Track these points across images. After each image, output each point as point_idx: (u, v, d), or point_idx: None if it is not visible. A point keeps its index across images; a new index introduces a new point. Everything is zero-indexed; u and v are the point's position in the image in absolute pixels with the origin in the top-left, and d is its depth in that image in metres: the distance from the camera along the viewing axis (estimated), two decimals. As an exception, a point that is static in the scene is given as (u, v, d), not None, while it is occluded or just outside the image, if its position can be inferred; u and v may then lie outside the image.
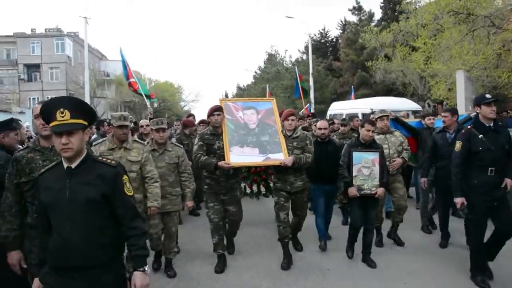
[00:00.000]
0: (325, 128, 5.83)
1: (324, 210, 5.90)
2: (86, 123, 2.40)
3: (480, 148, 4.32)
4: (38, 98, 36.19)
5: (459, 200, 4.45)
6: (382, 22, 29.41)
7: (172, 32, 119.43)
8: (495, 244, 4.54)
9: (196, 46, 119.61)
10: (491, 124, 4.39)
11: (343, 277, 4.92)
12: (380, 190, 5.12)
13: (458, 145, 4.51)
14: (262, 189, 7.03)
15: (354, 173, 5.14)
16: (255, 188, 7.14)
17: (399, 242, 5.95)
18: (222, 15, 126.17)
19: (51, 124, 2.32)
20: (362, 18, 32.52)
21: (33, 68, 40.74)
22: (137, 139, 4.91)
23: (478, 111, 4.46)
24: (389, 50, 21.96)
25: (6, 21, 77.76)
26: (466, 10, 13.06)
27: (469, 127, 4.60)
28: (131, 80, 10.66)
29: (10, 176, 3.05)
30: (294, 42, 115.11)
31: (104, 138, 4.90)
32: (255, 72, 45.34)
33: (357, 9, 33.14)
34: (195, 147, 5.22)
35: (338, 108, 14.33)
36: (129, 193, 2.49)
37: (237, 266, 5.32)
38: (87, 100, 18.62)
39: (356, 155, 5.15)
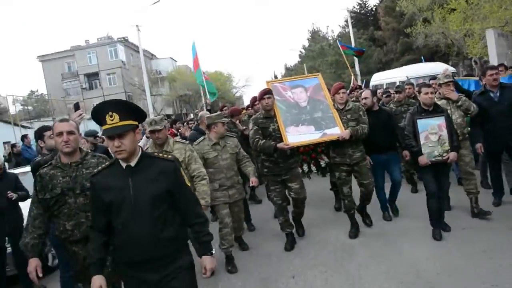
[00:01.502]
0: (366, 98, 5.72)
1: (383, 181, 5.85)
2: (136, 123, 2.46)
3: None
4: (101, 104, 38.92)
5: None
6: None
7: (215, 22, 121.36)
8: None
9: (241, 32, 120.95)
10: None
11: (413, 246, 4.79)
12: (452, 155, 4.88)
13: None
14: (313, 168, 6.80)
15: (422, 141, 4.94)
16: (305, 167, 6.86)
17: (484, 212, 5.34)
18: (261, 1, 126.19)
19: (103, 127, 2.41)
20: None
21: (92, 77, 43.53)
22: (178, 139, 5.00)
23: None
24: (428, 14, 22.04)
25: (60, 36, 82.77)
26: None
27: None
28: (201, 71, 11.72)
29: (36, 190, 3.17)
30: (335, 17, 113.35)
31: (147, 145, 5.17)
32: (300, 52, 46.03)
33: (393, -24, 32.89)
34: (251, 132, 5.26)
35: (379, 78, 15.13)
36: (188, 184, 2.66)
37: (302, 245, 5.36)
38: (148, 99, 20.22)
39: (421, 122, 4.97)
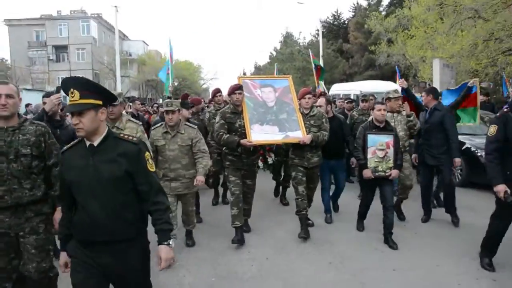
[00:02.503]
0: (320, 106, 5.91)
1: (329, 184, 6.17)
2: (99, 102, 2.40)
3: None
4: (67, 77, 38.58)
5: (500, 188, 3.91)
6: (390, 7, 30.83)
7: (191, 13, 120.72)
8: None
9: (215, 26, 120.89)
10: None
11: (348, 249, 5.05)
12: (394, 172, 5.15)
13: (492, 129, 4.05)
14: (260, 164, 6.77)
15: (369, 155, 5.19)
16: None
17: (400, 217, 6.05)
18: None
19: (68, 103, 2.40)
20: (371, 3, 33.98)
21: (61, 49, 43.01)
22: (132, 118, 4.90)
23: None
24: (393, 35, 23.54)
25: (31, 2, 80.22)
26: (454, 2, 14.81)
27: (505, 109, 4.14)
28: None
29: None
30: (308, 25, 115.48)
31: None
32: (271, 53, 47.16)
33: (367, -6, 34.58)
34: (217, 125, 5.29)
35: (337, 89, 16.41)
36: (151, 169, 2.54)
37: (250, 240, 5.41)
38: (118, 80, 20.64)
39: (371, 137, 5.20)
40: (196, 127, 5.13)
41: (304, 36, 66.98)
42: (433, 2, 15.62)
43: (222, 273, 4.49)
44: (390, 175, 5.13)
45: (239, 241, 5.24)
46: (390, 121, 5.57)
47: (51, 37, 42.34)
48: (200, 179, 4.75)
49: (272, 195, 7.60)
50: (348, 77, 31.04)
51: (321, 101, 6.11)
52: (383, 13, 29.50)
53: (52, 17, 43.32)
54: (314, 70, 15.29)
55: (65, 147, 2.58)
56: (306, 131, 5.37)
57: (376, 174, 5.15)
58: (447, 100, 6.58)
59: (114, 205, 2.38)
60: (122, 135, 2.57)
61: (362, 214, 5.64)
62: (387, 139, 5.18)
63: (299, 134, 5.35)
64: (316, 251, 5.04)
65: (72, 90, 2.32)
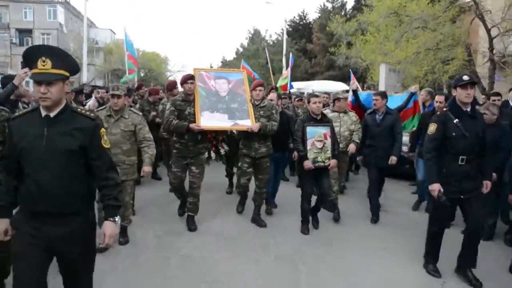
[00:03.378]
0: (271, 100, 6.09)
1: (273, 176, 6.20)
2: (67, 74, 2.40)
3: (454, 134, 4.00)
4: (30, 62, 38.10)
5: (435, 187, 4.00)
6: (353, 11, 32.28)
7: (160, 4, 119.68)
8: (467, 245, 4.16)
9: (183, 19, 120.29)
10: (468, 109, 4.05)
11: (291, 237, 5.31)
12: (333, 162, 5.34)
13: (432, 127, 4.13)
14: (212, 154, 6.99)
15: (308, 146, 5.32)
16: (205, 154, 6.68)
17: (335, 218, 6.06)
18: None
19: (32, 71, 2.34)
20: (335, 6, 35.42)
21: (25, 33, 42.19)
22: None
23: (454, 94, 4.11)
24: (353, 38, 24.85)
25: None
26: (405, 12, 16.15)
27: (445, 109, 4.28)
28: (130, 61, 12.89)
29: None
30: (275, 24, 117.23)
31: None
32: (237, 49, 48.02)
33: (332, -2, 36.10)
34: (167, 112, 5.39)
35: (296, 87, 17.65)
36: (105, 146, 2.55)
37: (194, 231, 5.43)
38: (84, 68, 20.98)
39: (309, 129, 5.34)
40: (141, 113, 5.12)
41: (271, 34, 68.18)
42: (387, 10, 16.92)
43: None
44: (329, 164, 5.34)
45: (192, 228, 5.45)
46: (335, 121, 5.92)
47: (15, 20, 41.58)
48: (147, 169, 4.80)
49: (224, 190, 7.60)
50: (310, 76, 32.37)
51: (273, 96, 6.39)
52: (347, 15, 30.93)
53: (16, 0, 42.53)
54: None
55: (16, 114, 2.60)
56: (256, 120, 5.53)
57: (316, 164, 5.31)
58: (392, 104, 6.66)
59: (64, 177, 2.38)
60: (79, 109, 2.57)
61: (306, 213, 5.55)
62: (324, 130, 5.39)
63: (248, 123, 5.52)
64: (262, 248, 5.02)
65: (44, 58, 2.30)
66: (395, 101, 7.02)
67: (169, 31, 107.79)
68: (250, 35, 46.28)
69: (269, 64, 17.86)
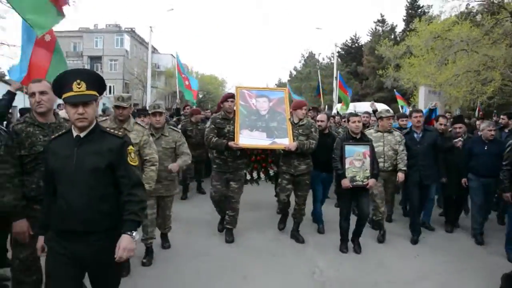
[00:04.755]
0: (322, 121, 6.21)
1: (321, 195, 6.35)
2: (98, 94, 2.51)
3: None
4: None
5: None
6: (404, 34, 32.81)
7: (219, 29, 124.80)
8: None
9: (239, 43, 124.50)
10: None
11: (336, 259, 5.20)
12: (371, 181, 5.25)
13: None
14: (262, 176, 7.01)
15: (347, 165, 5.26)
16: (255, 175, 7.04)
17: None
18: (265, 16, 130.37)
19: (66, 95, 2.40)
20: (385, 30, 36.14)
21: (95, 60, 45.64)
22: (140, 122, 4.98)
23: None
24: (401, 61, 25.46)
25: (71, 16, 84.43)
26: (447, 36, 16.86)
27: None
28: (186, 83, 13.62)
29: (11, 148, 3.09)
30: (327, 47, 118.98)
31: (107, 117, 4.97)
32: (290, 72, 49.58)
33: (381, 22, 37.05)
34: (207, 130, 5.55)
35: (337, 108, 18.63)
36: (133, 163, 2.57)
37: (233, 244, 5.62)
38: (148, 91, 22.85)
39: (348, 148, 5.29)
40: (180, 131, 5.40)
41: (323, 57, 69.60)
42: (429, 35, 17.67)
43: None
44: (367, 184, 5.26)
45: (221, 229, 5.97)
46: (379, 140, 5.93)
47: (87, 48, 45.31)
48: (173, 165, 4.90)
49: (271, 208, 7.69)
50: (361, 97, 32.99)
51: (323, 116, 6.41)
52: (397, 38, 31.51)
53: (89, 30, 46.37)
54: (319, 90, 17.46)
55: (53, 136, 2.68)
56: (294, 139, 5.57)
57: (354, 183, 5.24)
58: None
59: (92, 196, 2.41)
60: (108, 129, 2.63)
61: (345, 232, 5.50)
62: (364, 149, 5.33)
63: (285, 141, 5.56)
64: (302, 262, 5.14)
65: (79, 81, 2.38)
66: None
67: (227, 54, 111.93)
68: (304, 58, 47.70)
69: (320, 85, 18.57)
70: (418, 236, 5.96)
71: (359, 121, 5.33)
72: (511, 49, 15.06)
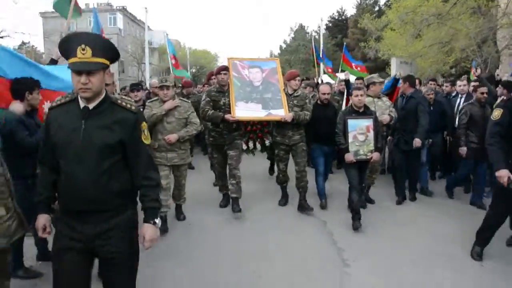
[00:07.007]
0: (328, 93, 5.99)
1: (323, 169, 6.10)
2: (108, 62, 2.22)
3: None
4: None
5: (503, 173, 3.73)
6: (386, 7, 34.27)
7: (207, 3, 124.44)
8: None
9: (230, 17, 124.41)
10: None
11: (344, 231, 5.12)
12: (375, 155, 5.19)
13: (497, 112, 3.97)
14: (258, 146, 7.00)
15: (350, 139, 5.16)
16: (251, 145, 7.09)
17: (369, 200, 6.17)
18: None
19: (70, 60, 2.13)
20: (368, 3, 37.58)
21: (90, 39, 46.91)
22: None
23: None
24: (382, 34, 27.13)
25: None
26: (420, 11, 18.56)
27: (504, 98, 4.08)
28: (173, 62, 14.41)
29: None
30: (314, 20, 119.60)
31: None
32: (280, 45, 50.86)
33: (365, -6, 38.32)
34: (203, 103, 5.51)
35: (326, 78, 20.46)
36: (146, 141, 2.39)
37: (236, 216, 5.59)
38: (147, 67, 23.97)
39: (351, 122, 5.18)
40: (189, 101, 5.38)
41: (312, 30, 70.58)
42: (403, 10, 19.39)
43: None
44: (371, 158, 5.21)
45: (225, 205, 5.99)
46: (370, 106, 5.60)
47: (81, 28, 46.05)
48: (171, 136, 4.89)
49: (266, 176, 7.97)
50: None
51: (326, 89, 6.13)
52: (381, 10, 32.85)
53: (83, 10, 47.06)
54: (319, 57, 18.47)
55: (53, 104, 2.36)
56: (289, 110, 5.58)
57: (358, 157, 5.18)
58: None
59: (101, 173, 2.21)
60: (119, 101, 2.35)
61: (355, 205, 5.24)
62: (367, 123, 5.22)
63: (281, 112, 5.57)
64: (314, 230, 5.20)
65: (84, 46, 2.09)
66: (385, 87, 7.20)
67: (218, 29, 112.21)
68: (293, 32, 48.96)
69: (314, 56, 19.55)
70: (402, 198, 6.20)
71: (361, 95, 5.22)
72: (473, 22, 16.82)
